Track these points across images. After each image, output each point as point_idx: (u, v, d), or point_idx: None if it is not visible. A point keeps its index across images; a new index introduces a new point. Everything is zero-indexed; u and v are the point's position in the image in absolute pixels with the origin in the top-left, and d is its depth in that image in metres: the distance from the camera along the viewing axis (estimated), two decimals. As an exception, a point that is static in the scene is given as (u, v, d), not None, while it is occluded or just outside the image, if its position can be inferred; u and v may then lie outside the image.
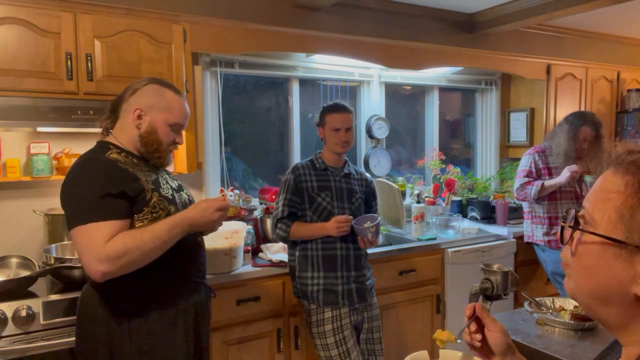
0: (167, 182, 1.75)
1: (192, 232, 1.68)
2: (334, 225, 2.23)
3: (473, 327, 1.03)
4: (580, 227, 0.71)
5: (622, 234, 0.66)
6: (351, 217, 2.27)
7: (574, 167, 2.99)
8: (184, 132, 1.83)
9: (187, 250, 1.72)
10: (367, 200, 2.48)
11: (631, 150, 0.70)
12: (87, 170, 1.58)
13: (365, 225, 2.24)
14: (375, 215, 2.39)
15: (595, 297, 0.70)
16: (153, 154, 1.70)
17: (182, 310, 1.69)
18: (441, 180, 3.71)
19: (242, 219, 2.72)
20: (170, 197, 1.70)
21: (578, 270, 0.72)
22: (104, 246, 1.47)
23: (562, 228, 0.75)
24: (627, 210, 0.66)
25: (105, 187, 1.53)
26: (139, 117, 1.65)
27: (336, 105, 2.38)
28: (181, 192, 1.80)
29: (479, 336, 1.01)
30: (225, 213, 1.65)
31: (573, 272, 0.73)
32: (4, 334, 1.91)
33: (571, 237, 0.73)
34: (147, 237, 1.52)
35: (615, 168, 0.70)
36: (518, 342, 1.69)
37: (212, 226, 1.68)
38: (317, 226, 2.29)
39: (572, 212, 0.73)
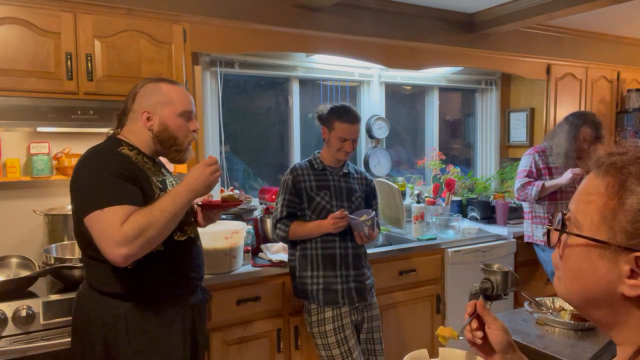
0: (172, 184, 1.77)
1: (191, 226, 1.74)
2: (331, 222, 2.23)
3: (474, 324, 1.03)
4: (566, 230, 0.72)
5: (605, 234, 0.67)
6: (347, 212, 2.26)
7: (577, 170, 2.98)
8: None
9: (184, 252, 1.72)
10: (367, 199, 2.48)
11: (611, 152, 0.71)
12: (101, 158, 1.59)
13: (361, 219, 2.24)
14: (370, 210, 2.38)
15: (584, 298, 0.71)
16: (171, 149, 1.71)
17: (179, 311, 1.70)
18: (441, 180, 3.71)
19: (241, 219, 2.72)
20: None
21: (566, 273, 0.73)
22: (120, 229, 1.46)
23: (549, 231, 0.76)
24: (609, 212, 0.67)
25: (121, 173, 1.54)
26: (148, 119, 1.67)
27: (348, 112, 2.29)
28: None
29: (480, 333, 1.02)
30: (219, 172, 1.64)
31: (562, 274, 0.74)
32: (4, 334, 1.91)
33: (558, 239, 0.74)
34: (157, 212, 1.51)
35: (596, 170, 0.71)
36: (518, 342, 1.69)
37: (210, 189, 1.66)
38: (315, 224, 2.29)
39: (559, 215, 0.75)
